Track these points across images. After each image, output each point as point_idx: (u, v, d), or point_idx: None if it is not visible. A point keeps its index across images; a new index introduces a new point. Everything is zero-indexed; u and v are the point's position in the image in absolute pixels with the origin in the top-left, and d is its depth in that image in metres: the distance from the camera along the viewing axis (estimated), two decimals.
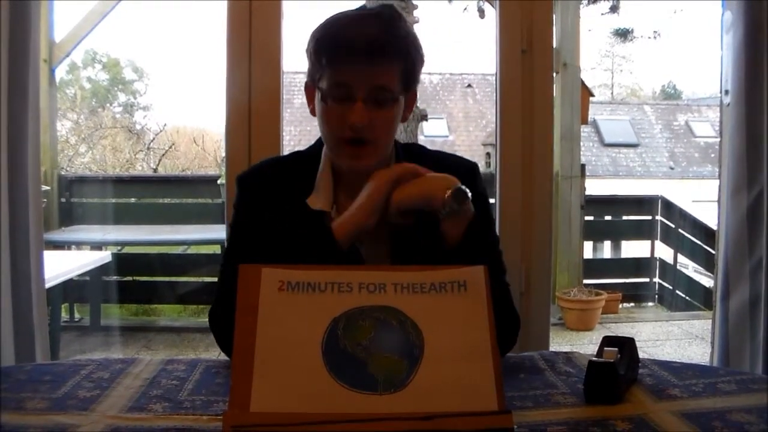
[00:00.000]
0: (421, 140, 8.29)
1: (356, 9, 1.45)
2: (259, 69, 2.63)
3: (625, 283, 7.10)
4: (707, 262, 6.71)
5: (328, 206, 1.46)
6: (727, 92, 2.49)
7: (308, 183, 1.47)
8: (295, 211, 1.43)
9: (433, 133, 12.13)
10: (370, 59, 1.34)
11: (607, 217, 7.87)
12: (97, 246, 6.05)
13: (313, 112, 1.45)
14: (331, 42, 1.37)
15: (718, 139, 2.63)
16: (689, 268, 7.34)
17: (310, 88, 1.45)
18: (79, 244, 6.15)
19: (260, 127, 2.64)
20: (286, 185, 1.47)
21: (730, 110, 2.46)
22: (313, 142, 1.56)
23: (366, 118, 1.34)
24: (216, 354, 1.42)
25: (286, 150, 2.78)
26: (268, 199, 1.47)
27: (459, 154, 1.68)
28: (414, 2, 7.02)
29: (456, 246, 1.34)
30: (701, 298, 6.89)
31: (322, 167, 1.48)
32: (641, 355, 1.33)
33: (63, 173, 6.80)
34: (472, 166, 1.55)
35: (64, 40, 5.83)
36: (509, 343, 1.41)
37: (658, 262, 7.36)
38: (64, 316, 5.33)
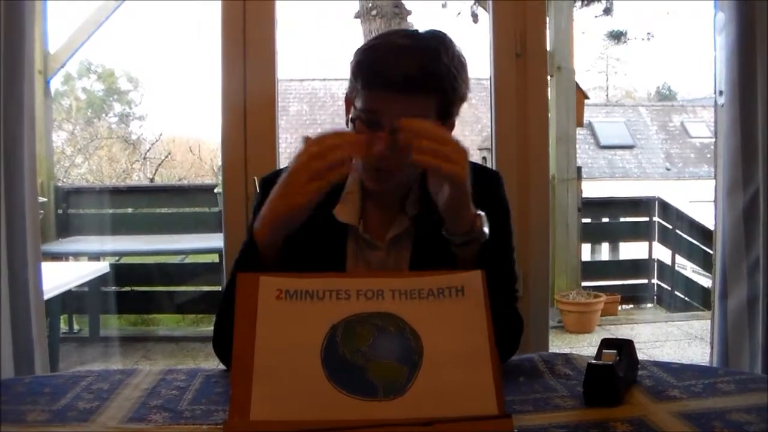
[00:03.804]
0: None
1: (407, 33, 1.40)
2: (254, 77, 2.64)
3: (623, 285, 7.11)
4: (705, 263, 6.72)
5: (355, 219, 1.45)
6: (721, 93, 2.49)
7: (333, 191, 1.45)
8: (319, 223, 1.40)
9: None
10: (403, 92, 1.31)
11: (605, 219, 7.89)
12: (95, 257, 6.05)
13: (347, 124, 1.43)
14: (369, 69, 1.35)
15: (714, 139, 2.64)
16: (687, 268, 7.34)
17: (348, 101, 1.44)
18: (76, 255, 6.15)
19: (256, 135, 2.64)
20: None
21: (724, 110, 2.47)
22: None
23: (388, 150, 1.32)
24: (215, 363, 1.42)
25: (283, 157, 2.78)
26: None
27: None
28: (408, 8, 7.04)
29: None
30: (700, 299, 6.90)
31: (350, 178, 1.46)
32: (641, 356, 1.33)
33: (59, 184, 6.79)
34: (496, 176, 1.55)
35: (58, 51, 5.83)
36: (512, 347, 1.41)
37: (656, 263, 7.36)
38: (63, 327, 5.32)
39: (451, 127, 1.46)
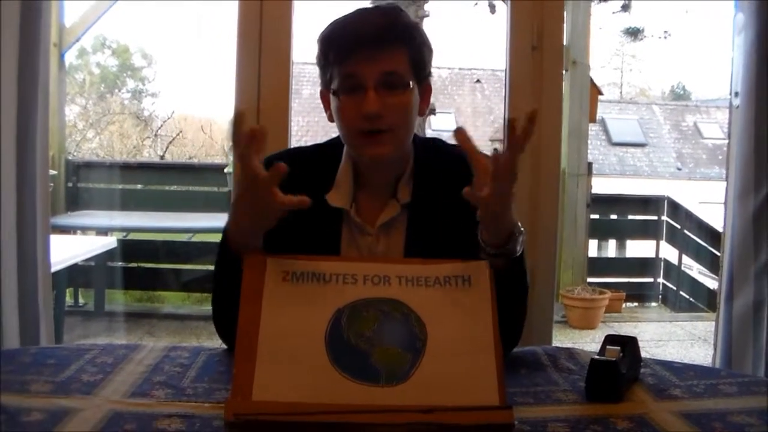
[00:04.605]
0: (429, 134, 8.30)
1: (358, 9, 1.46)
2: (268, 59, 2.64)
3: (629, 283, 7.09)
4: (712, 264, 6.71)
5: (347, 203, 1.46)
6: (736, 94, 2.48)
7: (328, 177, 1.47)
8: (314, 209, 1.43)
9: (440, 127, 12.12)
10: (376, 46, 1.35)
11: (613, 216, 7.87)
12: (103, 231, 6.06)
13: (330, 119, 1.45)
14: (336, 37, 1.40)
15: (726, 141, 2.62)
16: (694, 269, 7.32)
17: (324, 95, 1.46)
18: (84, 229, 6.16)
19: (268, 117, 2.64)
20: (305, 177, 1.47)
21: (739, 112, 2.46)
22: (321, 133, 1.56)
23: (378, 105, 1.34)
24: (219, 342, 1.43)
25: (294, 140, 2.78)
26: (286, 189, 1.47)
27: None
28: None
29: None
30: (705, 300, 6.88)
31: (342, 163, 1.49)
32: (643, 354, 1.33)
33: (70, 158, 6.81)
34: None
35: (74, 25, 5.83)
36: (514, 340, 1.41)
37: (662, 263, 7.35)
38: (69, 300, 5.34)
39: (429, 89, 1.49)
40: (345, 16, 1.42)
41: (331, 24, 1.42)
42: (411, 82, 1.40)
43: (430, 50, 1.47)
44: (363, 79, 1.36)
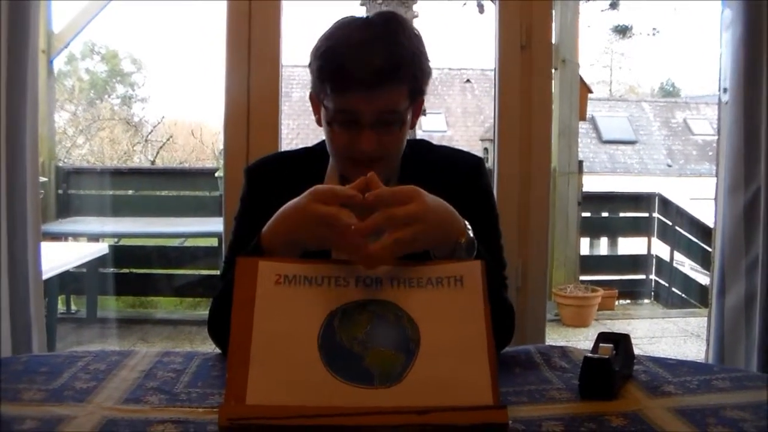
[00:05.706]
0: (420, 135, 8.30)
1: (359, 24, 1.36)
2: (257, 62, 2.63)
3: (621, 280, 7.11)
4: (704, 260, 6.73)
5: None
6: (725, 90, 2.49)
7: (316, 180, 1.46)
8: None
9: (431, 128, 12.14)
10: (375, 86, 1.30)
11: (604, 214, 7.88)
12: (95, 238, 6.05)
13: (318, 122, 1.43)
14: (336, 73, 1.32)
15: (716, 137, 2.63)
16: (685, 265, 7.34)
17: (314, 99, 1.44)
18: (76, 236, 6.14)
19: (259, 120, 2.64)
20: (293, 181, 1.46)
21: (728, 108, 2.47)
22: (311, 136, 1.56)
23: (374, 144, 1.32)
24: (212, 347, 1.42)
25: (284, 143, 2.78)
26: (274, 194, 1.46)
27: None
28: None
29: None
30: (697, 296, 6.90)
31: (330, 169, 1.48)
32: (637, 351, 1.33)
33: (61, 165, 6.78)
34: (478, 161, 1.55)
35: (62, 32, 5.82)
36: (506, 336, 1.41)
37: (654, 259, 7.37)
38: (61, 307, 5.32)
39: (420, 104, 1.47)
40: (343, 41, 1.33)
41: (329, 48, 1.34)
42: (408, 116, 1.37)
43: (429, 73, 1.41)
44: (360, 116, 1.32)
